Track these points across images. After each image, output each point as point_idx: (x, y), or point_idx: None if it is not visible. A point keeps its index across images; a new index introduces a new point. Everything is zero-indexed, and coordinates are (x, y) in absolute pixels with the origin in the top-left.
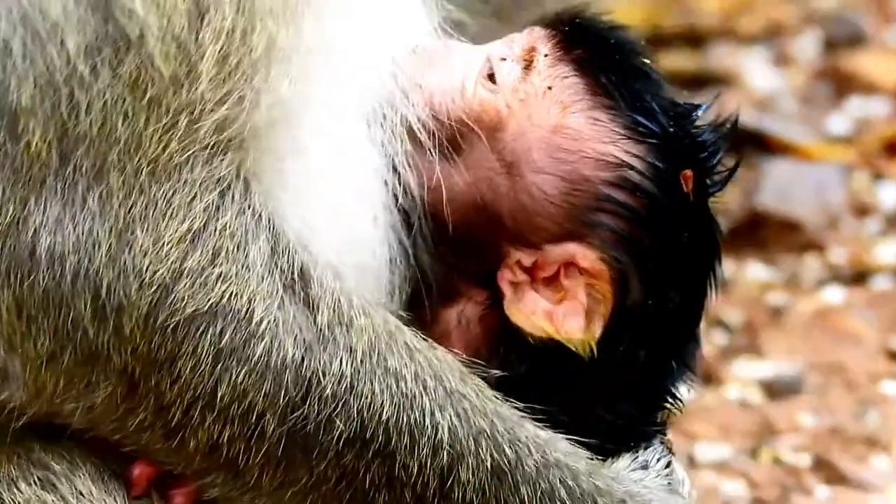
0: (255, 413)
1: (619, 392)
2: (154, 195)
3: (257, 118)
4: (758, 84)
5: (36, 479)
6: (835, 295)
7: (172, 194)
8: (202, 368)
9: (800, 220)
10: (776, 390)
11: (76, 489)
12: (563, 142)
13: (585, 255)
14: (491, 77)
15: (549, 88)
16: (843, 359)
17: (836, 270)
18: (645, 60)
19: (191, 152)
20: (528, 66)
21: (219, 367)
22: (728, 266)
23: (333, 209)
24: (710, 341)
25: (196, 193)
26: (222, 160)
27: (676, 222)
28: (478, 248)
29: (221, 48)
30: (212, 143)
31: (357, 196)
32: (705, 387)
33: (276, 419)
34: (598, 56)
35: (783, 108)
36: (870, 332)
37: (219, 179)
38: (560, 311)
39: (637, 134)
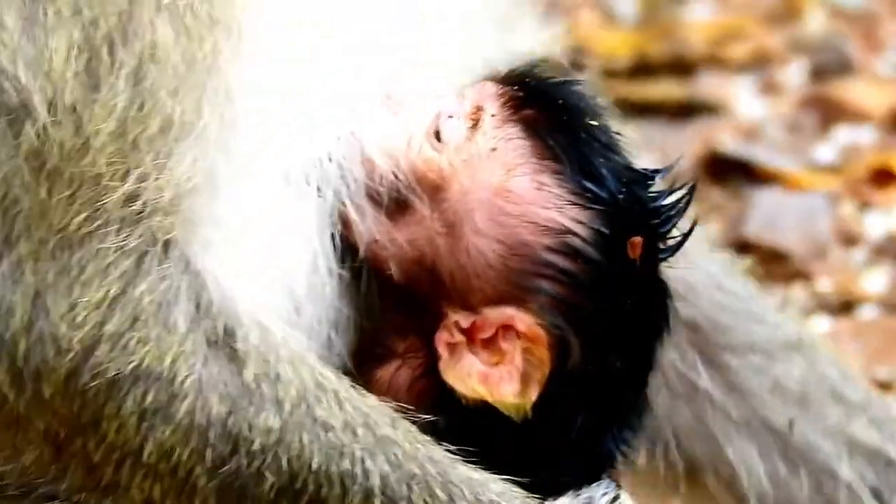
0: (185, 469)
1: (557, 453)
2: (66, 263)
3: (165, 194)
4: (745, 112)
5: None
6: (821, 324)
7: (86, 262)
8: (127, 429)
9: (787, 250)
10: None
11: None
12: (504, 205)
13: (523, 320)
14: (437, 135)
15: (493, 150)
16: None
17: (823, 300)
18: (599, 122)
19: (99, 223)
20: (474, 125)
21: (143, 426)
22: None
23: (262, 266)
24: None
25: (111, 262)
26: (134, 230)
27: (620, 289)
28: (418, 307)
29: (117, 124)
30: (121, 216)
31: (289, 253)
32: None
33: (206, 474)
34: (548, 117)
35: (770, 137)
36: (856, 362)
37: (134, 247)
38: (495, 375)
39: (583, 199)
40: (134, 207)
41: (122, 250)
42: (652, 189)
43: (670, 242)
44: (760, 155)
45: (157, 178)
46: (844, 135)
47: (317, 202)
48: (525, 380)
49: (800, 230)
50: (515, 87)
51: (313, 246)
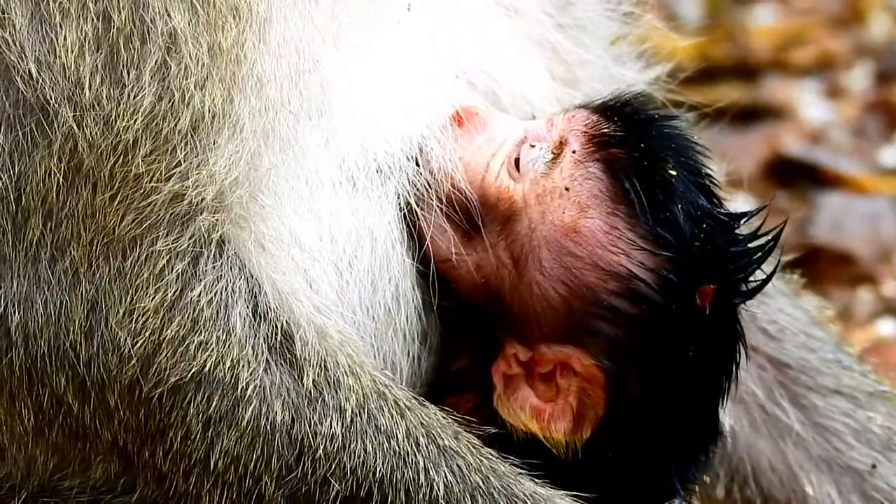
0: (252, 477)
1: (609, 484)
2: (120, 267)
3: (208, 190)
4: (810, 116)
5: None
6: (888, 328)
7: (140, 266)
8: (193, 436)
9: (852, 253)
10: None
11: None
12: (571, 246)
13: (580, 360)
14: (517, 162)
15: (567, 189)
16: None
17: (890, 303)
18: (691, 164)
19: (148, 225)
20: (554, 158)
21: (209, 433)
22: None
23: (318, 268)
24: None
25: (165, 264)
26: (185, 231)
27: (685, 335)
28: (481, 332)
29: (146, 121)
30: (169, 217)
31: (349, 257)
32: None
33: (273, 482)
34: (631, 158)
35: (835, 141)
36: None
37: (187, 248)
38: (548, 411)
39: (653, 245)
40: (180, 208)
41: (174, 252)
42: (734, 235)
43: (750, 286)
44: (825, 159)
45: (197, 175)
46: None
47: (383, 204)
48: (578, 419)
49: (865, 233)
50: (606, 122)
51: (387, 241)
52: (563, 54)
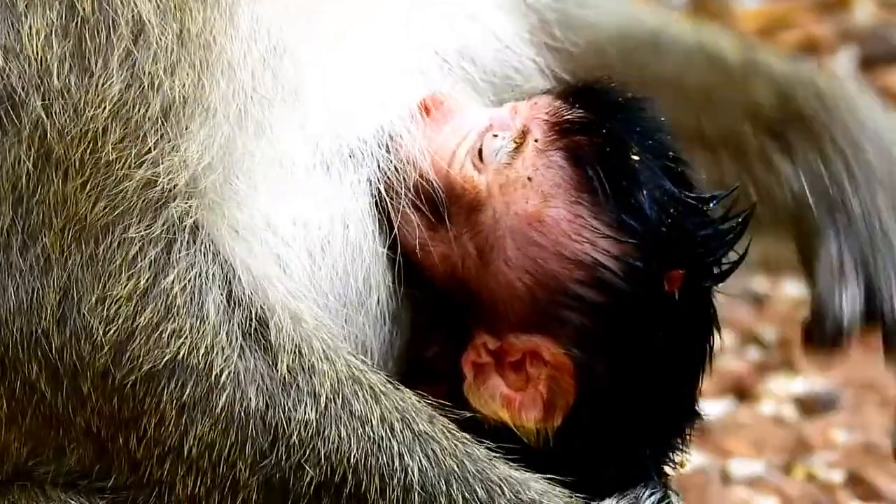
0: (226, 463)
1: (583, 468)
2: (92, 254)
3: (180, 176)
4: None
5: None
6: None
7: (112, 253)
8: (167, 423)
9: None
10: (810, 407)
11: None
12: (535, 235)
13: (549, 349)
14: (480, 153)
15: (530, 178)
16: (878, 376)
17: None
18: (659, 147)
19: (119, 211)
20: (517, 148)
21: (183, 420)
22: (763, 283)
23: (292, 253)
24: (746, 357)
25: (138, 250)
26: (157, 217)
27: (653, 323)
28: (450, 322)
29: (115, 108)
30: (141, 204)
31: (322, 241)
32: (740, 403)
33: (247, 468)
34: (594, 145)
35: None
36: None
37: (160, 235)
38: (518, 399)
39: (618, 232)
40: (153, 194)
41: (147, 239)
42: (703, 218)
43: (723, 269)
44: None
45: (169, 161)
46: None
47: (356, 190)
48: (548, 407)
49: None
50: (568, 108)
51: (357, 228)
52: (545, 14)
